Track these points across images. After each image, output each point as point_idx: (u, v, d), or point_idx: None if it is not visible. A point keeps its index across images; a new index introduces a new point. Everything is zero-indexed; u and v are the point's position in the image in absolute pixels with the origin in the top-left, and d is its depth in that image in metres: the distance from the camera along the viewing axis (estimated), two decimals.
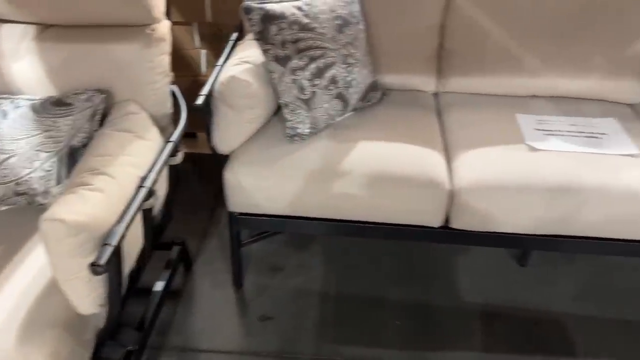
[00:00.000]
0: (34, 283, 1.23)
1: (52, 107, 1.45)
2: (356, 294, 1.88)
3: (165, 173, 1.48)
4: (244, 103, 1.58)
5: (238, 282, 1.89)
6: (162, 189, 1.47)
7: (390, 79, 1.94)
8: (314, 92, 1.63)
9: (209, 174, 1.66)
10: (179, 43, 2.25)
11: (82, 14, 1.51)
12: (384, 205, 1.61)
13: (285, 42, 1.58)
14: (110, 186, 1.22)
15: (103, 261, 1.07)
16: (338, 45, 1.65)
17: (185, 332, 1.75)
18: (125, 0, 1.42)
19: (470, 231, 1.64)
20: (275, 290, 1.89)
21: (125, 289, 1.39)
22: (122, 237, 1.15)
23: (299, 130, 1.64)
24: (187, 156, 2.51)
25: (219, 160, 1.66)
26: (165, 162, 1.39)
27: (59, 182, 1.40)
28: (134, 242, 1.32)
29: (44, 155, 1.39)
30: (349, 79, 1.69)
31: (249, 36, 1.92)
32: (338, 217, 1.67)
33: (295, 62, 1.60)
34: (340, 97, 1.69)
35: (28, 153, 1.39)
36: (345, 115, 1.78)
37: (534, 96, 1.91)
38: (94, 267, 1.07)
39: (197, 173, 2.44)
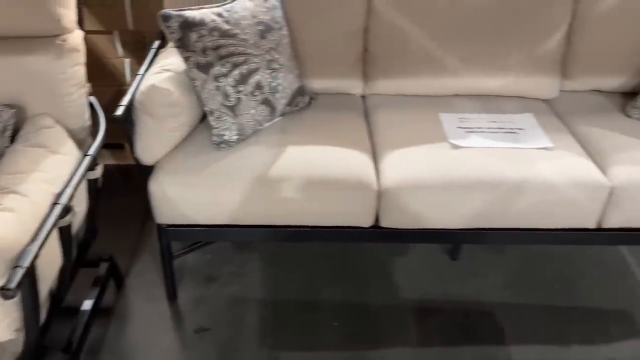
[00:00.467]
0: None
1: None
2: (293, 299, 1.88)
3: (84, 188, 1.43)
4: (165, 112, 1.55)
5: (172, 295, 1.84)
6: (81, 205, 1.42)
7: (317, 84, 1.96)
8: (239, 98, 1.62)
9: (138, 186, 1.61)
10: (100, 52, 2.18)
11: None
12: (315, 209, 1.62)
13: (206, 49, 1.56)
14: (21, 205, 1.16)
15: (14, 284, 1.02)
16: (261, 50, 1.65)
17: (117, 351, 1.69)
18: (30, 11, 1.36)
19: (400, 229, 1.67)
20: (211, 301, 1.86)
21: (47, 311, 1.33)
22: (36, 257, 1.10)
23: (225, 137, 1.62)
24: (115, 168, 2.46)
25: (144, 172, 1.62)
26: (83, 177, 1.34)
27: None
28: (52, 262, 1.26)
29: None
30: (274, 84, 1.69)
31: (171, 44, 1.88)
32: (270, 223, 1.66)
33: (217, 69, 1.58)
34: (266, 102, 1.69)
35: None
36: (274, 120, 1.78)
37: (457, 95, 1.97)
38: (4, 291, 1.02)
39: (125, 185, 2.37)
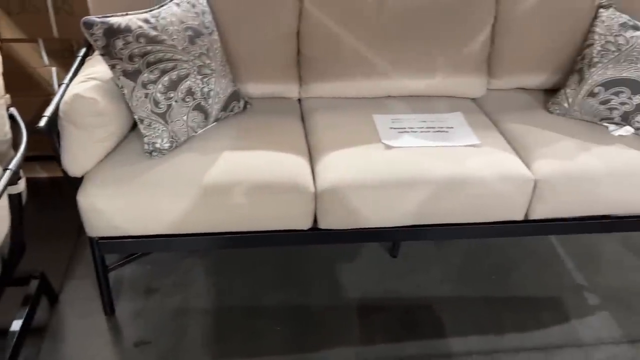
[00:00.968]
0: None
1: None
2: (236, 306, 1.86)
3: (5, 203, 1.36)
4: (92, 122, 1.50)
5: (109, 309, 1.79)
6: (3, 222, 1.35)
7: (253, 88, 1.95)
8: (169, 105, 1.59)
9: (71, 198, 1.56)
10: (24, 61, 2.09)
11: None
12: (253, 214, 1.61)
13: (133, 56, 1.53)
14: None
15: None
16: (191, 56, 1.63)
17: None
18: None
19: (339, 230, 1.69)
20: (151, 313, 1.82)
21: None
22: None
23: (157, 145, 1.59)
24: (48, 181, 2.37)
25: (73, 184, 1.57)
26: (3, 192, 1.28)
27: None
28: None
29: None
30: (206, 89, 1.67)
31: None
32: (208, 231, 1.64)
33: (146, 76, 1.55)
34: (199, 108, 1.67)
35: None
36: (208, 126, 1.76)
37: (389, 96, 2.02)
38: None
39: (58, 198, 2.28)
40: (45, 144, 1.54)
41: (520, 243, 2.18)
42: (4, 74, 1.54)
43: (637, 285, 2.01)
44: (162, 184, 1.55)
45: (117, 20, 1.53)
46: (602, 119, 1.85)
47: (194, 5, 1.70)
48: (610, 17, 1.88)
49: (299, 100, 2.05)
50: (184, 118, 1.63)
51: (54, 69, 2.14)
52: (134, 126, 1.70)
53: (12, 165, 1.34)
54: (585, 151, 1.72)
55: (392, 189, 1.62)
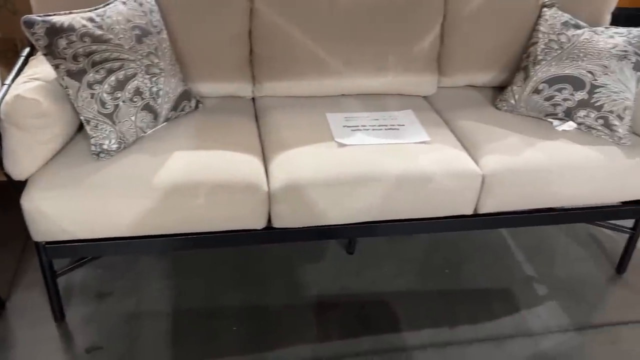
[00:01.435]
0: None
1: None
2: (192, 308, 1.84)
3: None
4: (34, 123, 1.46)
5: (59, 315, 1.74)
6: None
7: (204, 87, 1.93)
8: (116, 105, 1.56)
9: (17, 202, 1.51)
10: None
11: None
12: (206, 215, 1.60)
13: (77, 55, 1.49)
14: None
15: None
16: (139, 55, 1.60)
17: None
18: None
19: (293, 229, 1.69)
20: (103, 318, 1.78)
21: None
22: None
23: (105, 147, 1.56)
24: None
25: (17, 187, 1.52)
26: None
27: None
28: None
29: None
30: (155, 89, 1.65)
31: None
32: (160, 233, 1.61)
33: (91, 76, 1.51)
34: (148, 108, 1.64)
35: None
36: (158, 126, 1.73)
37: (342, 95, 2.03)
38: None
39: (4, 201, 2.21)
40: None
41: (473, 237, 2.24)
42: None
43: (583, 274, 2.09)
44: (111, 186, 1.52)
45: (59, 19, 1.49)
46: (546, 115, 1.92)
47: (141, 4, 1.67)
48: (553, 16, 1.94)
49: (253, 99, 2.04)
50: (132, 118, 1.60)
51: None
52: (80, 127, 1.66)
53: None
54: (530, 146, 1.78)
55: (344, 187, 1.63)
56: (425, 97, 2.10)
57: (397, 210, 1.72)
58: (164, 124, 1.76)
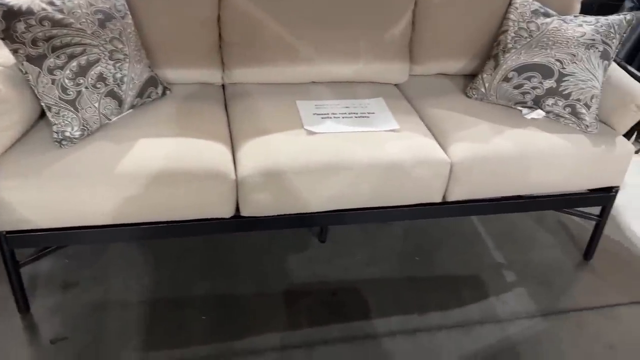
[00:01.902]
0: None
1: None
2: (160, 297, 1.83)
3: None
4: None
5: (23, 306, 1.71)
6: None
7: (172, 74, 1.90)
8: (79, 91, 1.53)
9: None
10: None
11: None
12: (172, 203, 1.58)
13: (36, 40, 1.45)
14: None
15: None
16: (102, 40, 1.56)
17: None
18: None
19: (261, 217, 1.68)
20: (69, 308, 1.75)
21: None
22: None
23: (67, 134, 1.52)
24: None
25: None
26: None
27: None
28: None
29: None
30: (119, 75, 1.61)
31: None
32: (125, 222, 1.59)
33: (52, 61, 1.47)
34: (112, 95, 1.61)
35: None
36: (123, 113, 1.70)
37: (314, 82, 2.02)
38: None
39: None
40: None
41: (444, 224, 2.25)
42: None
43: (551, 261, 2.12)
44: (74, 174, 1.48)
45: (17, 1, 1.44)
46: (516, 103, 1.93)
47: None
48: (523, 4, 1.94)
49: (223, 86, 2.01)
50: (95, 105, 1.57)
51: None
52: (42, 114, 1.62)
53: None
54: (499, 134, 1.78)
55: (313, 175, 1.62)
56: (396, 85, 2.10)
57: (366, 198, 1.72)
58: (130, 111, 1.72)
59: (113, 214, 1.55)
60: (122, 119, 1.68)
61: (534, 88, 1.86)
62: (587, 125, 1.84)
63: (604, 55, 1.82)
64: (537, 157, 1.77)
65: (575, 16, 1.90)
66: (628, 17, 1.84)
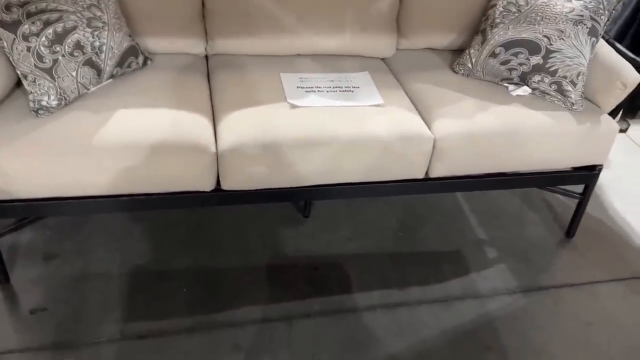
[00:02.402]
0: None
1: None
2: (141, 270, 1.82)
3: None
4: None
5: (3, 276, 1.70)
6: None
7: (153, 43, 1.86)
8: (55, 59, 1.49)
9: None
10: None
11: None
12: (152, 175, 1.56)
13: (10, 5, 1.41)
14: None
15: None
16: (79, 7, 1.52)
17: None
18: None
19: (242, 191, 1.67)
20: (49, 280, 1.75)
21: None
22: None
23: (44, 103, 1.49)
24: None
25: None
26: None
27: None
28: None
29: None
30: (97, 44, 1.57)
31: None
32: (104, 194, 1.57)
33: (27, 28, 1.44)
34: (90, 63, 1.57)
35: None
36: (102, 83, 1.67)
37: (299, 55, 1.98)
38: None
39: None
40: None
41: (429, 200, 2.25)
42: None
43: (533, 238, 2.13)
44: (50, 145, 1.46)
45: None
46: (502, 79, 1.91)
47: None
48: None
49: (206, 57, 1.98)
50: (73, 74, 1.53)
51: None
52: (19, 82, 1.59)
53: None
54: (483, 111, 1.77)
55: (294, 150, 1.60)
56: (383, 60, 2.07)
57: (348, 173, 1.71)
58: (109, 80, 1.69)
59: (90, 186, 1.54)
60: (101, 89, 1.65)
61: (520, 64, 1.84)
62: (572, 103, 1.82)
63: (592, 32, 1.80)
64: (522, 134, 1.76)
65: None
66: None
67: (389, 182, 1.76)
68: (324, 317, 1.74)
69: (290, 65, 1.91)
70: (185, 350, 1.59)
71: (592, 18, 1.79)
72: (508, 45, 1.85)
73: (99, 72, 1.61)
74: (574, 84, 1.81)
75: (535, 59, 1.82)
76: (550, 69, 1.81)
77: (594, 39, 1.81)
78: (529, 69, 1.84)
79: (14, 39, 1.43)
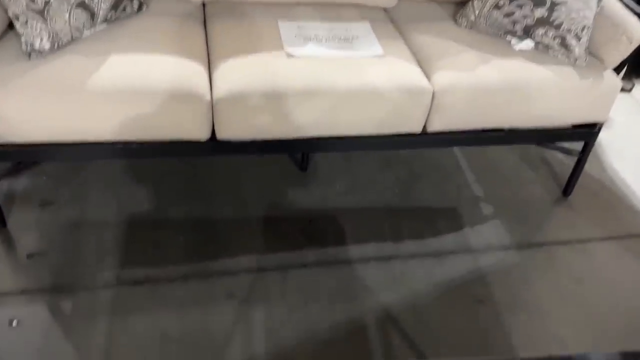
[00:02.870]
0: None
1: None
2: (137, 218, 1.83)
3: None
4: None
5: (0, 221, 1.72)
6: None
7: None
8: (47, 1, 1.46)
9: None
10: None
11: None
12: (145, 123, 1.54)
13: None
14: None
15: None
16: None
17: None
18: None
19: (238, 141, 1.66)
20: (46, 225, 1.76)
21: None
22: None
23: (36, 46, 1.47)
24: None
25: None
26: None
27: None
28: None
29: None
30: None
31: None
32: (98, 140, 1.56)
33: None
34: (83, 6, 1.54)
35: None
36: (97, 28, 1.63)
37: (299, 3, 1.93)
38: None
39: None
40: None
41: (426, 156, 2.24)
42: None
43: (529, 196, 2.13)
44: (43, 88, 1.44)
45: None
46: (505, 32, 1.86)
47: None
48: None
49: (204, 4, 1.93)
50: (65, 16, 1.50)
51: None
52: (11, 25, 1.56)
53: None
54: (485, 64, 1.74)
55: (290, 99, 1.58)
56: (385, 10, 2.02)
57: (345, 125, 1.69)
58: (104, 25, 1.65)
59: (84, 131, 1.53)
60: (95, 33, 1.62)
61: (524, 17, 1.79)
62: (576, 58, 1.79)
63: None
64: (522, 88, 1.73)
65: None
66: None
67: (387, 135, 1.75)
68: (318, 267, 1.76)
69: (290, 14, 1.86)
70: (179, 297, 1.62)
71: None
72: None
73: (92, 15, 1.57)
74: (578, 37, 1.76)
75: (540, 12, 1.77)
76: (555, 23, 1.76)
77: None
78: (533, 22, 1.79)
79: None
